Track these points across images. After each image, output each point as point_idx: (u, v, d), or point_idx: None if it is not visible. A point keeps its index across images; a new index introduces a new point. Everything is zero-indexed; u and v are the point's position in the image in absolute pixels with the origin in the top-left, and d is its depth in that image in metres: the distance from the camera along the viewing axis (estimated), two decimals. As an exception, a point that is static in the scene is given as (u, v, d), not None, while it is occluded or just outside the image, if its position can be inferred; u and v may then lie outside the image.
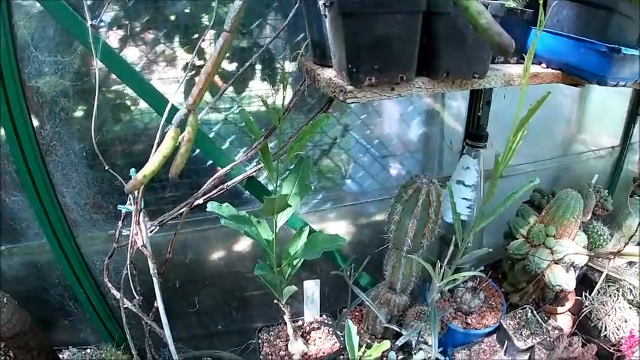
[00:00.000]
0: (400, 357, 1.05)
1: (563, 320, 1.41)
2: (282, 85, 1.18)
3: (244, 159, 0.95)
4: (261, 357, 1.16)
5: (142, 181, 0.63)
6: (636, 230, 1.25)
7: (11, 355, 1.09)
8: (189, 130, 0.63)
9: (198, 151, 1.18)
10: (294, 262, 1.05)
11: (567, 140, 1.76)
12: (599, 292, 1.37)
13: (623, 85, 0.97)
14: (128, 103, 1.13)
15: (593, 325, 1.34)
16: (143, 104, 1.13)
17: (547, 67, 0.97)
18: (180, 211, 0.95)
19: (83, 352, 1.27)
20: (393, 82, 0.72)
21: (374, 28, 0.66)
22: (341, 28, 0.66)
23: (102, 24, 1.00)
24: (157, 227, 0.95)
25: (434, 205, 1.02)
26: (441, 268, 0.92)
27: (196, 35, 1.08)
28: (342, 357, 1.09)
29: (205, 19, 1.09)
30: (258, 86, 1.22)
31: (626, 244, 1.23)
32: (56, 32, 0.94)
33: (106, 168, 0.88)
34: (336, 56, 0.74)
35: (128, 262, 0.92)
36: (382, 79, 0.71)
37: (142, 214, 0.88)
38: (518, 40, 0.96)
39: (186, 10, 1.09)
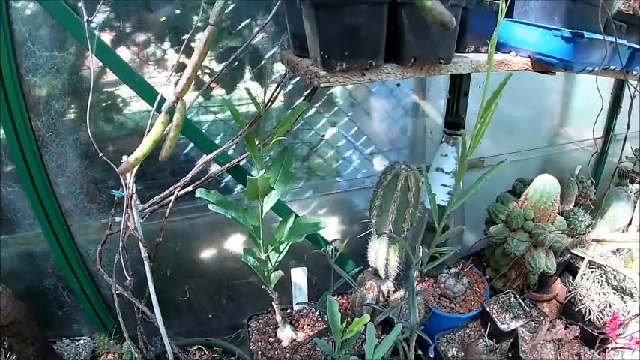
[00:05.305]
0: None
1: (549, 308, 1.44)
2: (267, 81, 1.24)
3: (230, 145, 1.00)
4: (251, 344, 1.20)
5: (134, 163, 0.68)
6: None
7: (6, 345, 1.12)
8: (177, 116, 0.68)
9: (188, 149, 1.23)
10: (280, 248, 1.08)
11: (552, 133, 1.81)
12: (582, 277, 1.40)
13: (590, 71, 1.01)
14: (120, 104, 1.18)
15: (577, 309, 1.37)
16: (134, 106, 1.18)
17: (516, 56, 1.02)
18: (170, 196, 1.00)
19: (77, 343, 1.29)
20: (363, 68, 0.78)
21: (343, 18, 0.72)
22: (313, 19, 0.72)
23: (94, 25, 1.06)
24: (148, 213, 0.99)
25: (413, 190, 1.07)
26: (419, 248, 0.96)
27: (186, 36, 1.14)
28: (326, 338, 1.12)
29: (195, 21, 1.15)
30: (247, 86, 1.28)
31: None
32: (52, 28, 1.00)
33: (100, 155, 0.93)
34: (311, 45, 0.80)
35: (120, 245, 0.96)
36: (352, 65, 0.76)
37: (133, 197, 0.93)
38: (487, 30, 1.02)
39: (177, 12, 1.15)
